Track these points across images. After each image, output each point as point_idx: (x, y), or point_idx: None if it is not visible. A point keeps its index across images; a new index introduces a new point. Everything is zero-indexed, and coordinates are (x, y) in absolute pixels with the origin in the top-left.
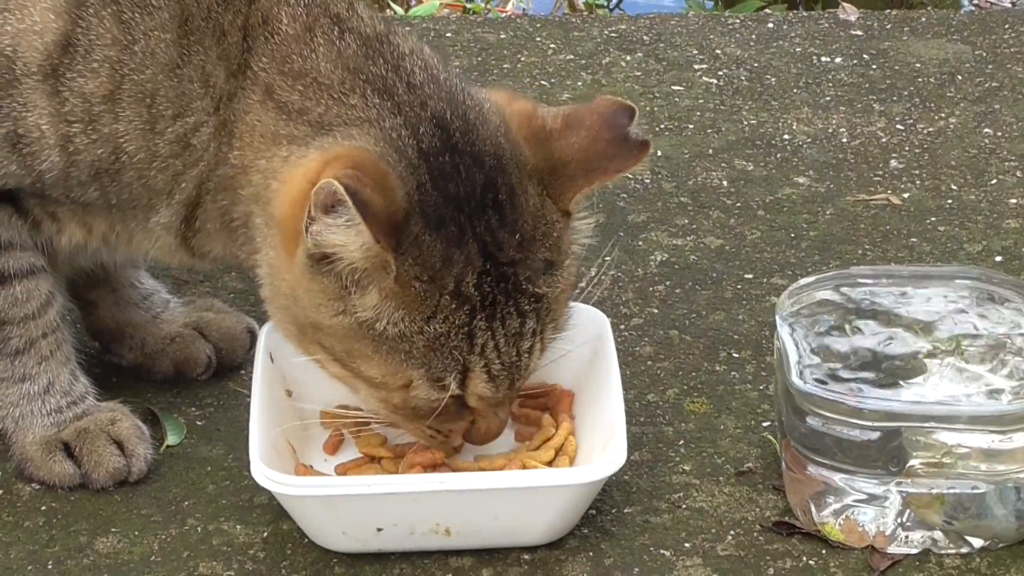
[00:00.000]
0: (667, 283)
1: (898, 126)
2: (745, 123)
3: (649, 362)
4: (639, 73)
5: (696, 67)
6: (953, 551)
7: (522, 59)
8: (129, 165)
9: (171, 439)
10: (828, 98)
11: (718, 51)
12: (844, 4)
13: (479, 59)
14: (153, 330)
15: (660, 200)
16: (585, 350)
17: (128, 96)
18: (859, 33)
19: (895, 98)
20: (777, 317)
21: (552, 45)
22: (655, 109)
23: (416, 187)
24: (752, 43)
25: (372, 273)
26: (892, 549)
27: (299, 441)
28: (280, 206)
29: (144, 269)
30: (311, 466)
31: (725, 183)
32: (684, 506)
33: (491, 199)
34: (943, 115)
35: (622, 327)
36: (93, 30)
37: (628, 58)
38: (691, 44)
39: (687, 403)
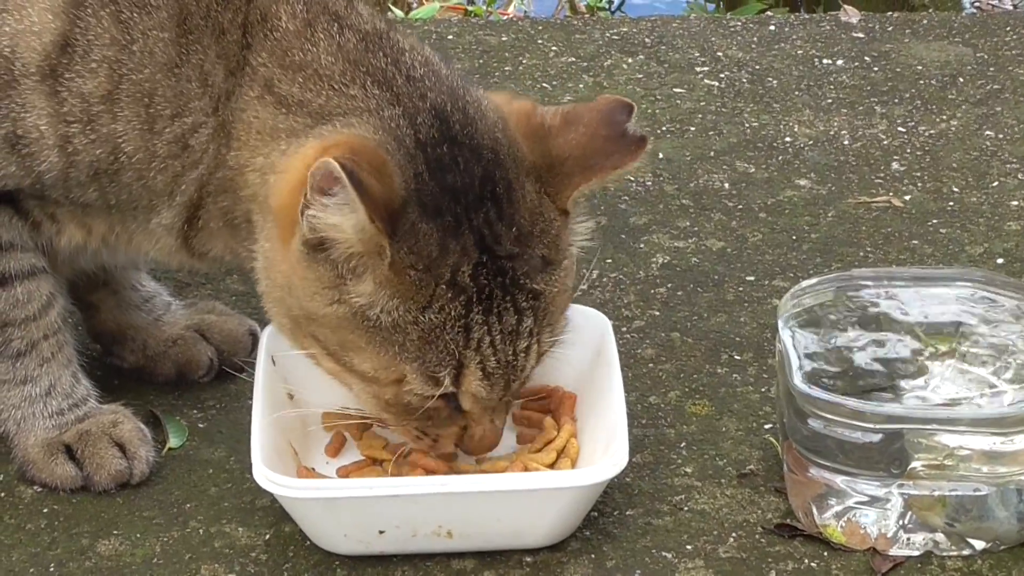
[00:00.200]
0: (669, 285)
1: (899, 128)
2: (747, 125)
3: (651, 364)
4: (641, 75)
5: (698, 69)
6: (955, 553)
7: (524, 62)
8: (128, 166)
9: (173, 441)
10: (829, 100)
11: (719, 53)
12: (845, 6)
13: (481, 62)
14: (155, 332)
15: (661, 202)
16: (587, 352)
17: (126, 96)
18: (860, 35)
19: (896, 100)
20: (779, 319)
21: (554, 48)
22: (657, 111)
23: (413, 176)
24: (754, 45)
25: (367, 260)
26: (894, 551)
27: (301, 443)
28: (278, 195)
29: (145, 271)
30: (313, 468)
31: (727, 185)
32: (686, 508)
33: (489, 192)
34: (944, 117)
35: (624, 329)
36: (91, 30)
37: (630, 60)
38: (693, 46)
39: (689, 405)
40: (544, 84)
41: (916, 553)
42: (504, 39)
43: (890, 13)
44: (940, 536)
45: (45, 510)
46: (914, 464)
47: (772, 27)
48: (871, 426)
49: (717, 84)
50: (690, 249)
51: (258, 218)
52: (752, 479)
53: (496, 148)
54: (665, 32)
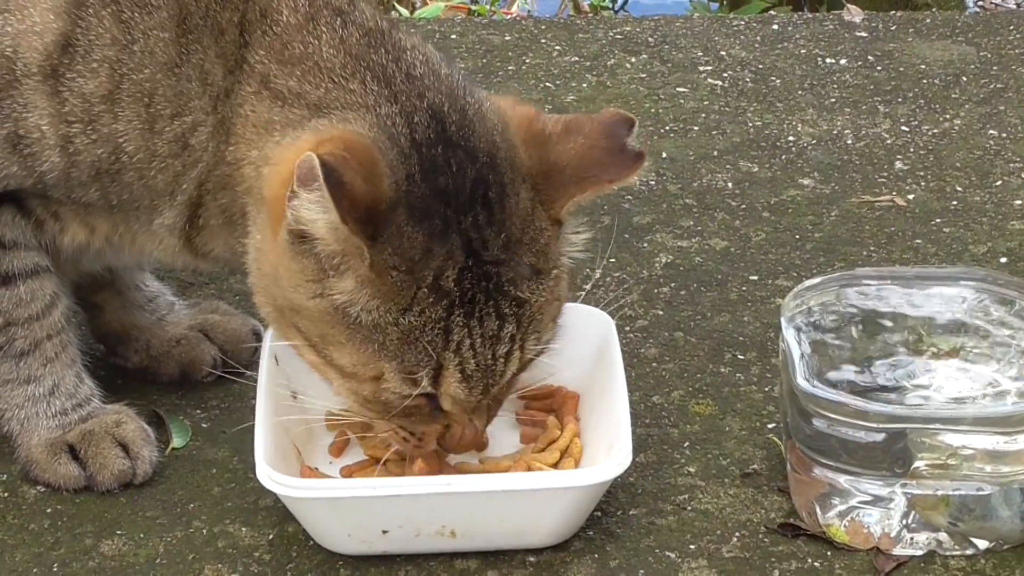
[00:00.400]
0: (672, 285)
1: (903, 127)
2: (750, 125)
3: (654, 364)
4: (644, 75)
5: (701, 69)
6: (958, 553)
7: (527, 61)
8: (129, 165)
9: (176, 441)
10: (833, 99)
11: (723, 53)
12: (849, 6)
13: (484, 61)
14: (158, 332)
15: (665, 202)
16: (590, 352)
17: (127, 96)
18: (864, 35)
19: (900, 99)
20: (782, 319)
21: (557, 47)
22: (660, 111)
23: (405, 177)
24: (757, 45)
25: (348, 258)
26: (897, 551)
27: (304, 443)
28: (270, 186)
29: (149, 271)
30: (316, 468)
31: (730, 185)
32: (689, 508)
33: (481, 196)
34: (948, 116)
35: (627, 329)
36: (93, 30)
37: (633, 60)
38: (696, 46)
39: (692, 405)
40: (547, 83)
41: (919, 553)
42: (507, 38)
43: (893, 12)
44: (943, 536)
45: (48, 510)
46: (917, 464)
47: (775, 26)
48: (874, 425)
49: (720, 83)
50: (693, 248)
51: (252, 210)
52: (755, 479)
53: (492, 152)
54: (668, 31)
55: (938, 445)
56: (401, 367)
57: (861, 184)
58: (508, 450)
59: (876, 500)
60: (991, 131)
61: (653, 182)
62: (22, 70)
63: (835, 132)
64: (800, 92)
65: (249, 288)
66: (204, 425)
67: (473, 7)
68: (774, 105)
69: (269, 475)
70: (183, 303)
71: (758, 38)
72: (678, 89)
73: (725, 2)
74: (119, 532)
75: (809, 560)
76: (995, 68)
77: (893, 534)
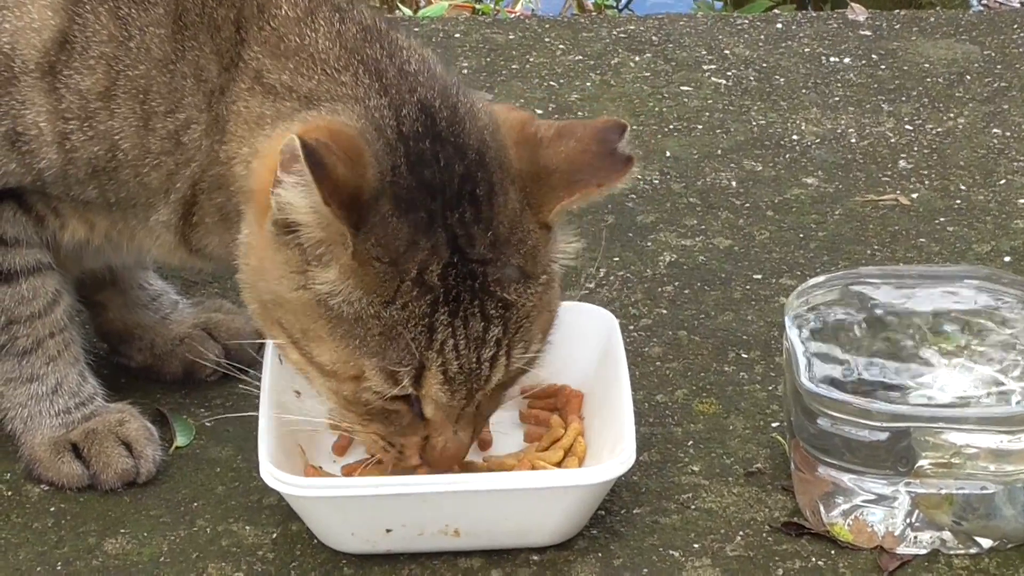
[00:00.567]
0: (676, 284)
1: (907, 126)
2: (754, 123)
3: (658, 363)
4: (648, 73)
5: (705, 67)
6: (962, 551)
7: (531, 60)
8: (125, 163)
9: (180, 440)
10: (837, 98)
11: (727, 51)
12: (853, 4)
13: (488, 60)
14: (162, 331)
15: (669, 201)
16: (594, 351)
17: (123, 93)
18: (868, 33)
19: (904, 98)
20: (786, 318)
21: (561, 46)
22: (664, 110)
23: (391, 168)
24: (761, 43)
25: (332, 247)
26: (901, 549)
27: (308, 442)
28: (256, 178)
29: (152, 270)
30: (320, 467)
31: (734, 183)
32: (693, 507)
33: (468, 192)
34: (952, 115)
35: (631, 328)
36: (90, 26)
37: (637, 58)
38: (700, 44)
39: (696, 404)
40: (551, 82)
41: (923, 551)
42: (511, 37)
43: (897, 11)
44: (947, 534)
45: (52, 509)
46: (921, 462)
47: (779, 25)
48: (878, 424)
49: (724, 82)
50: (697, 247)
51: (244, 207)
52: (759, 477)
53: (482, 150)
54: (672, 30)
55: (942, 444)
56: (382, 364)
57: (865, 183)
58: (512, 449)
59: (880, 499)
60: (995, 130)
61: (657, 181)
62: (20, 67)
63: (839, 131)
64: (804, 91)
65: (237, 284)
66: (208, 424)
67: (477, 6)
68: (778, 104)
69: (273, 474)
70: (187, 302)
71: (762, 37)
72: (682, 88)
73: (729, 1)
74: (123, 531)
75: (813, 559)
76: (999, 67)
77: (897, 533)
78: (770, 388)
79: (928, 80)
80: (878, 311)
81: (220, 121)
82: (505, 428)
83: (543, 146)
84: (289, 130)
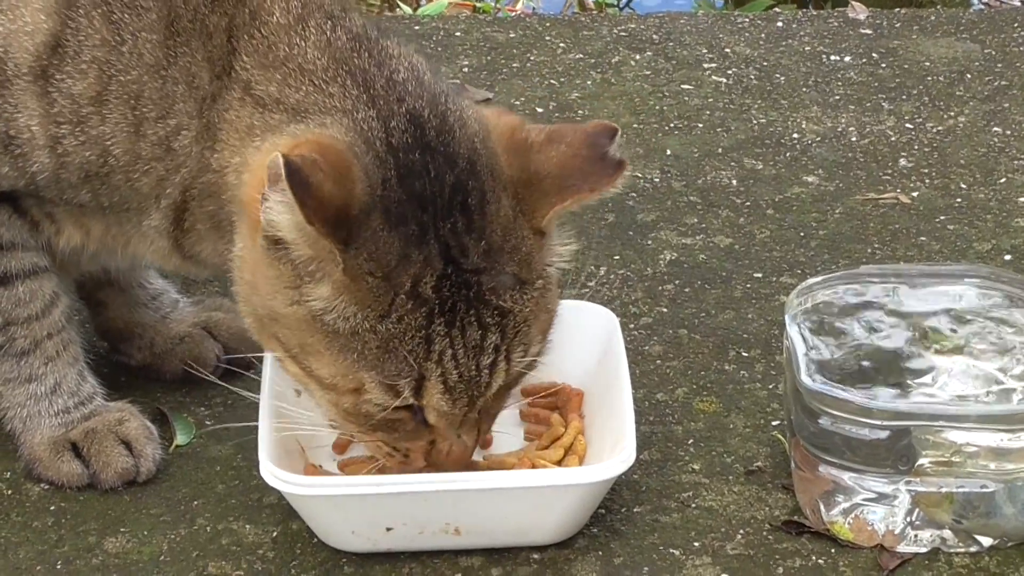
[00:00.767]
0: (676, 282)
1: (907, 125)
2: (754, 122)
3: (658, 361)
4: (648, 72)
5: (705, 66)
6: (962, 550)
7: (531, 58)
8: (117, 168)
9: (180, 439)
10: (837, 97)
11: (727, 50)
12: (853, 3)
13: (488, 58)
14: (162, 330)
15: (669, 199)
16: (594, 349)
17: (115, 98)
18: (868, 32)
19: (904, 97)
20: (786, 316)
21: (561, 44)
22: (664, 108)
23: (381, 181)
24: (761, 42)
25: (323, 264)
26: (901, 548)
27: (308, 441)
28: (247, 191)
29: (152, 269)
30: (320, 466)
31: (734, 182)
32: (693, 505)
33: (460, 202)
34: (952, 114)
35: (631, 326)
36: (82, 31)
37: (637, 57)
38: (700, 43)
39: (696, 402)
40: (552, 81)
41: (923, 550)
42: (512, 35)
43: (898, 9)
44: (947, 533)
45: (52, 508)
46: (921, 461)
47: (780, 23)
48: (879, 423)
49: (725, 80)
50: (698, 246)
51: (237, 219)
52: (760, 476)
53: (473, 158)
54: (673, 28)
55: (942, 442)
56: (381, 377)
57: (865, 181)
58: (512, 447)
59: (880, 497)
60: (995, 128)
61: (657, 179)
62: (13, 70)
63: (839, 129)
64: (804, 89)
65: (234, 297)
66: (208, 423)
67: (478, 4)
68: (778, 102)
69: (273, 472)
70: (187, 300)
71: (762, 35)
72: (682, 86)
73: None
74: (123, 530)
75: (813, 557)
76: (999, 65)
77: (897, 531)
78: (770, 386)
79: (929, 78)
80: (878, 310)
81: (212, 128)
82: (505, 427)
83: (534, 151)
84: (277, 145)
